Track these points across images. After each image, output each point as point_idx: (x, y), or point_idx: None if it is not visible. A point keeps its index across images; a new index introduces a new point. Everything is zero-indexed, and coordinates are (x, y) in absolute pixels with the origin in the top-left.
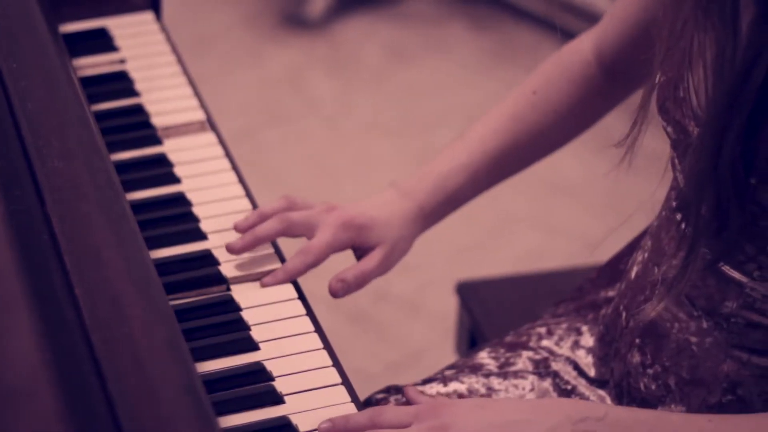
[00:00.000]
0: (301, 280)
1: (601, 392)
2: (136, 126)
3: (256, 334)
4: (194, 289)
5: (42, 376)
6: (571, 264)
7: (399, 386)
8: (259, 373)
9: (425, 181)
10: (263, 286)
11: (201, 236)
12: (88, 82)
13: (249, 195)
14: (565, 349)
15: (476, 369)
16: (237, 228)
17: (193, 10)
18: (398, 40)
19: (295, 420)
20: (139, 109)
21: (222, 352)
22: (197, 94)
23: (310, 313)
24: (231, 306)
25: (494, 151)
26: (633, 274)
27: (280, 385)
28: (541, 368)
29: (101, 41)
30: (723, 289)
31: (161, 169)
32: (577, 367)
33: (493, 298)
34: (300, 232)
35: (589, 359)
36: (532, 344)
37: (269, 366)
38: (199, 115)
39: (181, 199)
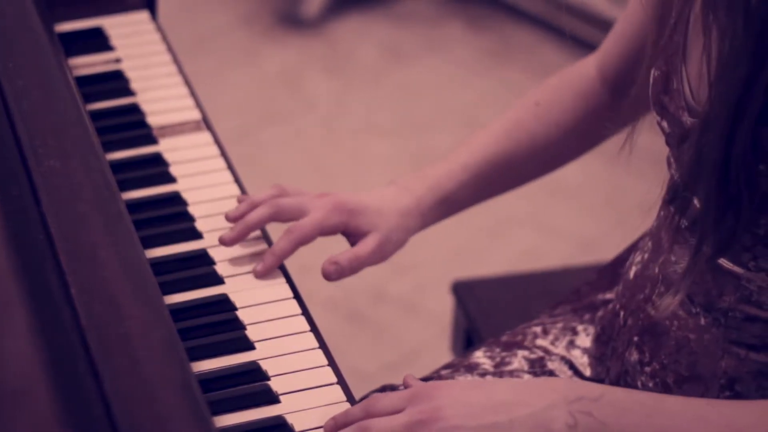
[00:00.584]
0: (297, 280)
1: None
2: (132, 125)
3: (251, 333)
4: (190, 288)
5: (38, 375)
6: (567, 264)
7: (395, 385)
8: (254, 373)
9: (424, 179)
10: (256, 276)
11: (196, 235)
12: (83, 81)
13: (244, 194)
14: (560, 349)
15: (472, 368)
16: (228, 217)
17: (189, 10)
18: (395, 40)
19: (290, 419)
20: (134, 109)
21: (218, 352)
22: (193, 93)
23: (305, 312)
24: (226, 305)
25: (495, 157)
26: (632, 274)
27: (275, 384)
28: (537, 368)
29: (97, 41)
30: (720, 283)
31: (157, 169)
32: (572, 366)
33: (489, 298)
34: (291, 217)
35: (585, 359)
36: (527, 344)
37: (265, 365)
38: (195, 115)
39: (176, 199)
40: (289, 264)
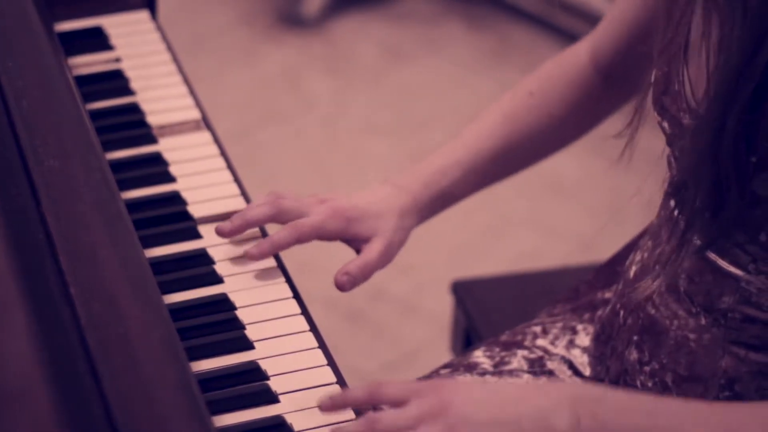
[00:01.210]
0: (296, 280)
1: None
2: (132, 125)
3: (251, 333)
4: (189, 288)
5: (37, 375)
6: (566, 263)
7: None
8: (254, 372)
9: (419, 175)
10: (248, 257)
11: (196, 235)
12: (83, 80)
13: (244, 194)
14: (560, 348)
15: (471, 368)
16: (220, 231)
17: (189, 9)
18: (394, 40)
19: (289, 419)
20: (134, 108)
21: (217, 351)
22: (192, 93)
23: (305, 312)
24: (226, 305)
25: (489, 150)
26: (632, 273)
27: (275, 384)
28: (536, 367)
29: (96, 40)
30: (720, 284)
31: (156, 168)
32: (572, 366)
33: (488, 298)
34: (291, 219)
35: (585, 358)
36: (527, 343)
37: (264, 365)
38: (195, 114)
39: (176, 198)
40: (289, 263)
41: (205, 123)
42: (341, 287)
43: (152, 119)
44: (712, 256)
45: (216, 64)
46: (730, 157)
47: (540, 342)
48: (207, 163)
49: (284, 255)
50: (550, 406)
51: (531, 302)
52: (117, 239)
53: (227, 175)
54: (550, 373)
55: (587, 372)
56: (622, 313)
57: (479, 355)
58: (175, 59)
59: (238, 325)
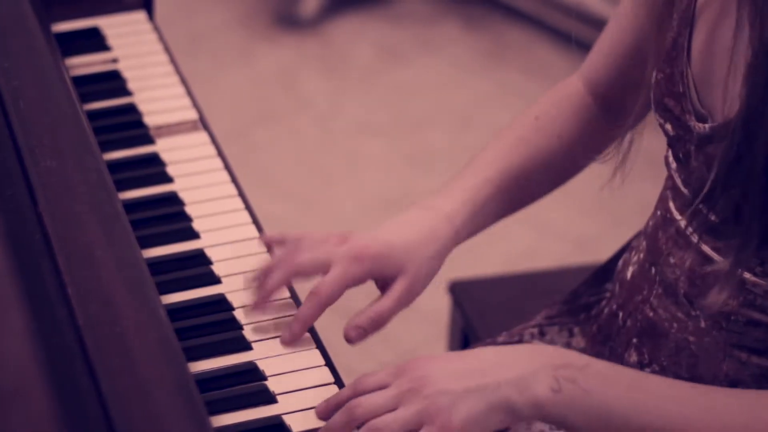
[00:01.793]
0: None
1: None
2: (129, 125)
3: (248, 333)
4: (187, 288)
5: (34, 375)
6: (564, 264)
7: None
8: (251, 373)
9: (452, 194)
10: (283, 344)
11: (193, 235)
12: (80, 81)
13: (241, 194)
14: None
15: None
16: (249, 282)
17: (186, 10)
18: (390, 40)
19: (287, 419)
20: (131, 109)
21: (214, 352)
22: (189, 93)
23: None
24: (223, 305)
25: (509, 171)
26: (628, 274)
27: (272, 384)
28: (529, 344)
29: (93, 40)
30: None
31: (153, 169)
32: None
33: (485, 298)
34: (312, 274)
35: None
36: (524, 344)
37: (262, 365)
38: (192, 115)
39: (173, 199)
40: None
41: (202, 123)
42: (351, 341)
43: (149, 119)
44: (717, 257)
45: (213, 64)
46: None
47: (537, 343)
48: (204, 164)
49: None
50: (531, 371)
51: (528, 303)
52: (114, 239)
53: (225, 175)
54: None
55: None
56: (620, 314)
57: None
58: (172, 60)
59: (236, 326)
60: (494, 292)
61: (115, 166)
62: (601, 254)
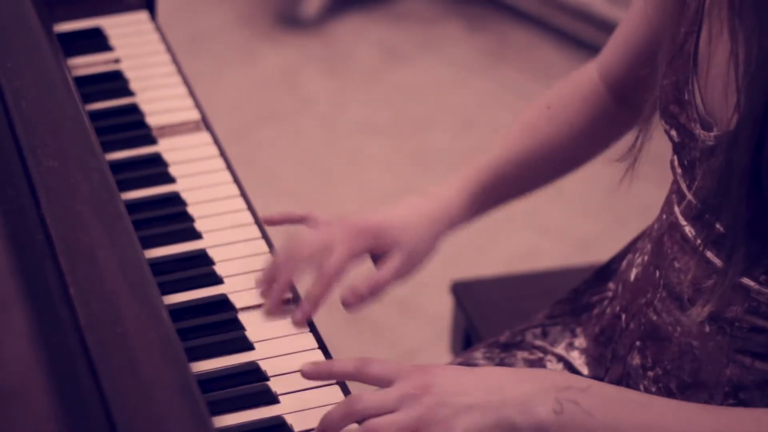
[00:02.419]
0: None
1: None
2: (131, 125)
3: (251, 333)
4: (189, 288)
5: (36, 375)
6: (566, 264)
7: None
8: (253, 373)
9: (452, 182)
10: (295, 323)
11: (196, 236)
12: (82, 81)
13: (244, 194)
14: (559, 350)
15: None
16: (256, 283)
17: (188, 10)
18: (392, 40)
19: (289, 420)
20: (133, 109)
21: (217, 352)
22: (192, 93)
23: None
24: (225, 306)
25: (515, 156)
26: (632, 276)
27: (274, 384)
28: (536, 368)
29: (96, 41)
30: (728, 294)
31: (156, 169)
32: (571, 367)
33: (487, 298)
34: (316, 260)
35: (583, 359)
36: (526, 344)
37: (264, 366)
38: (194, 115)
39: (175, 199)
40: None
41: (205, 123)
42: (347, 306)
43: (152, 120)
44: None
45: (215, 64)
46: None
47: (539, 343)
48: (206, 164)
49: None
50: (534, 393)
51: (530, 303)
52: (116, 240)
53: (227, 176)
54: None
55: (586, 373)
56: (623, 316)
57: (479, 356)
58: (175, 60)
59: (238, 326)
60: (496, 293)
61: (117, 167)
62: (602, 255)
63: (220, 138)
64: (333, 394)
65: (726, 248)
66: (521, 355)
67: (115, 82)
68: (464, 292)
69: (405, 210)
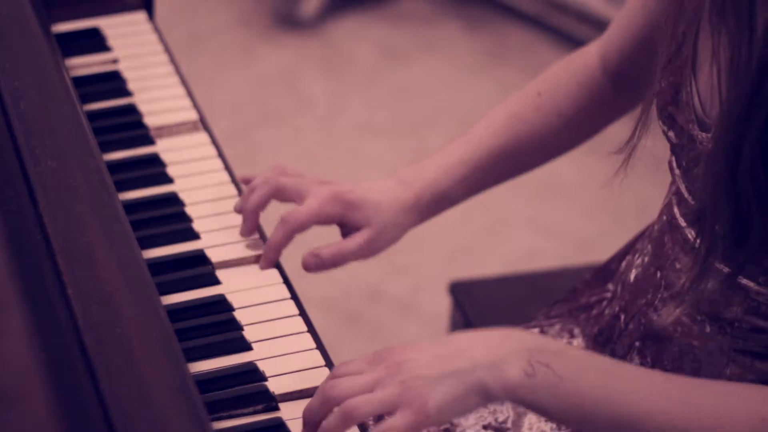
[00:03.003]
0: (294, 281)
1: None
2: (129, 126)
3: (248, 334)
4: (187, 289)
5: (34, 376)
6: (564, 265)
7: None
8: (251, 373)
9: (424, 173)
10: (262, 268)
11: (194, 236)
12: (80, 81)
13: (241, 195)
14: None
15: None
16: (235, 209)
17: (186, 10)
18: (391, 40)
19: (287, 420)
20: (131, 109)
21: (215, 352)
22: (190, 93)
23: (303, 313)
24: (224, 306)
25: (495, 149)
26: (632, 277)
27: (272, 385)
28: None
29: (94, 41)
30: (728, 295)
31: (154, 169)
32: None
33: (486, 299)
34: (289, 198)
35: None
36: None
37: (262, 366)
38: (192, 115)
39: (173, 199)
40: (286, 265)
41: (203, 124)
42: (307, 267)
43: (150, 120)
44: (720, 266)
45: (213, 64)
46: (749, 182)
47: None
48: (205, 164)
49: (282, 257)
50: (505, 355)
51: (529, 303)
52: (115, 240)
53: (225, 176)
54: None
55: None
56: (622, 317)
57: None
58: (173, 60)
59: (236, 326)
60: (495, 293)
61: (115, 167)
62: (602, 255)
63: (219, 138)
64: None
65: (702, 249)
66: None
67: (113, 83)
68: (463, 293)
69: (382, 193)
